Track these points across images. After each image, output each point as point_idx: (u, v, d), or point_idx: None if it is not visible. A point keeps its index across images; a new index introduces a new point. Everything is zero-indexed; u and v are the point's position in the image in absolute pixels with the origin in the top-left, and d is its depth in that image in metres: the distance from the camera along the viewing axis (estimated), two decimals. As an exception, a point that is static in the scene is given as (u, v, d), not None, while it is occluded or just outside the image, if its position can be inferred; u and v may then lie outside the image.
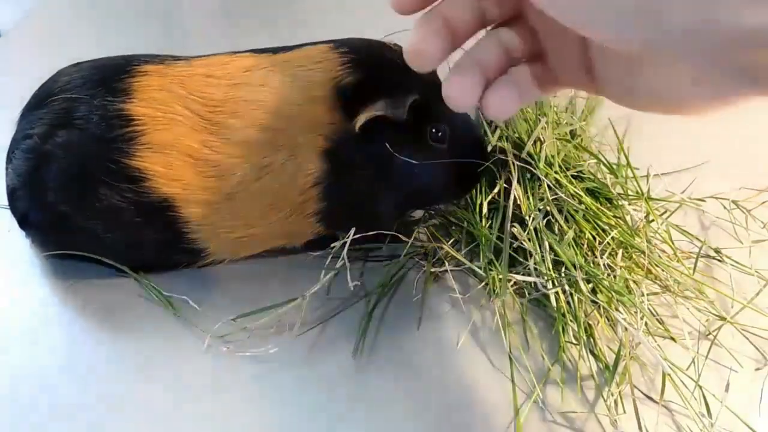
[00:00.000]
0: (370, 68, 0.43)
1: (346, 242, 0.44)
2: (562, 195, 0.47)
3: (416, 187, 0.45)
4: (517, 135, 0.52)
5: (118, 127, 0.41)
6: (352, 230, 0.45)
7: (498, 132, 0.52)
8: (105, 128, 0.41)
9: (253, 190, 0.43)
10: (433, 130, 0.44)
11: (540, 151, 0.49)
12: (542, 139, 0.50)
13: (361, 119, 0.41)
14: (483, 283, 0.47)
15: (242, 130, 0.42)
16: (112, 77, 0.43)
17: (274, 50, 0.45)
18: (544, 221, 0.46)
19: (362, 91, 0.42)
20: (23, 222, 0.46)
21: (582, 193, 0.48)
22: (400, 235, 0.49)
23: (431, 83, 0.43)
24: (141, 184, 0.42)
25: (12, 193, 0.45)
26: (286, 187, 0.43)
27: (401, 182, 0.44)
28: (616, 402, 0.41)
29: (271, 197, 0.43)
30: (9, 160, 0.44)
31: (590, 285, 0.45)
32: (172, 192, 0.42)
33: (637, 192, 0.51)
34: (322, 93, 0.42)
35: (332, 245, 0.45)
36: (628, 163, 0.52)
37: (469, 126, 0.47)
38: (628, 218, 0.48)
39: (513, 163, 0.48)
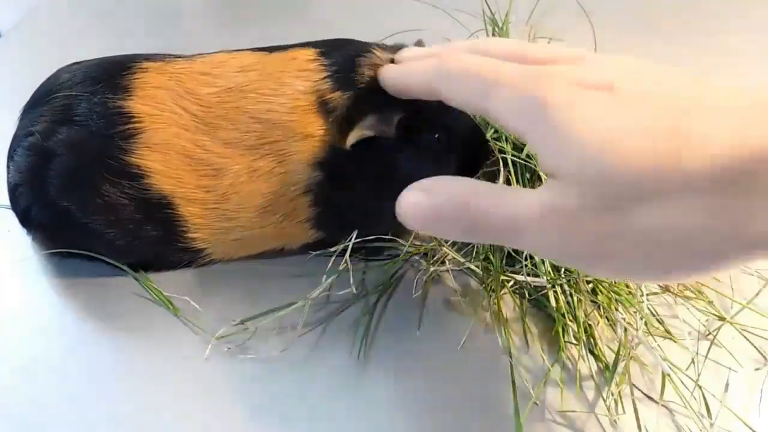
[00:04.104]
0: (354, 83, 0.42)
1: (348, 246, 0.45)
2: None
3: None
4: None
5: (117, 124, 0.41)
6: (354, 233, 0.45)
7: (493, 131, 0.52)
8: (105, 125, 0.42)
9: (245, 192, 0.43)
10: (432, 139, 0.44)
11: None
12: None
13: (351, 139, 0.41)
14: (483, 284, 0.47)
15: (231, 132, 0.42)
16: (112, 74, 0.43)
17: (270, 49, 0.45)
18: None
19: (348, 106, 0.41)
20: (25, 219, 0.46)
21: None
22: (398, 238, 0.49)
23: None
24: (140, 181, 0.42)
25: (14, 190, 0.45)
26: (276, 192, 0.43)
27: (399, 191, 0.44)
28: (616, 402, 0.41)
29: (263, 201, 0.43)
30: (10, 157, 0.44)
31: (590, 285, 0.45)
32: (170, 190, 0.42)
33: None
34: (307, 103, 0.42)
35: (332, 249, 0.45)
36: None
37: (469, 125, 0.46)
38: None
39: (512, 162, 0.48)
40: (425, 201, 0.32)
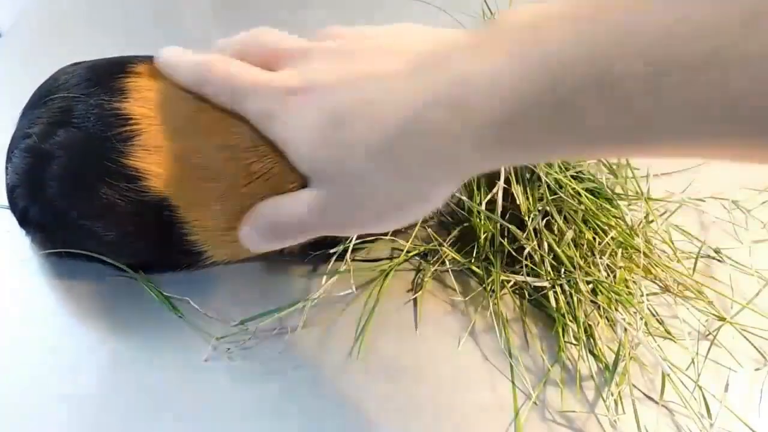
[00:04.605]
0: None
1: (348, 246, 0.45)
2: (562, 195, 0.47)
3: None
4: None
5: (114, 126, 0.41)
6: (354, 234, 0.45)
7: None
8: (102, 127, 0.41)
9: (243, 194, 0.42)
10: None
11: (540, 152, 0.49)
12: (542, 140, 0.50)
13: None
14: (483, 284, 0.47)
15: (226, 135, 0.42)
16: (109, 76, 0.43)
17: None
18: (544, 221, 0.47)
19: None
20: (23, 220, 0.46)
21: (582, 193, 0.48)
22: (398, 238, 0.49)
23: None
24: (138, 184, 0.42)
25: (12, 192, 0.45)
26: (274, 192, 0.42)
27: None
28: (615, 402, 0.41)
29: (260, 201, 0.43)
30: (9, 159, 0.44)
31: (590, 285, 0.45)
32: (168, 192, 0.42)
33: (637, 192, 0.51)
34: None
35: (332, 250, 0.45)
36: (628, 163, 0.52)
37: None
38: (628, 219, 0.48)
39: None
40: (250, 231, 0.39)
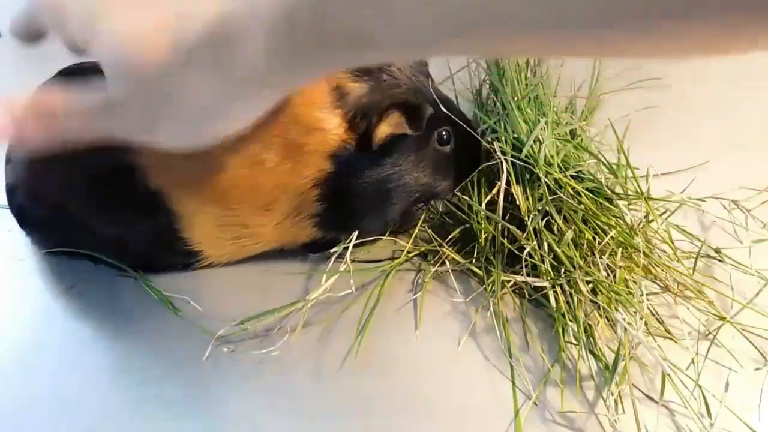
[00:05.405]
0: (371, 79, 0.42)
1: (348, 246, 0.45)
2: (562, 195, 0.47)
3: (423, 191, 0.47)
4: (515, 135, 0.52)
5: None
6: (355, 234, 0.45)
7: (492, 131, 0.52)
8: None
9: (246, 186, 0.42)
10: (443, 135, 0.45)
11: (539, 152, 0.49)
12: (541, 140, 0.50)
13: (380, 138, 0.41)
14: (483, 284, 0.47)
15: None
16: (100, 74, 0.43)
17: None
18: (543, 222, 0.46)
19: (368, 103, 0.41)
20: (21, 219, 0.46)
21: (582, 193, 0.48)
22: (398, 239, 0.49)
23: (426, 88, 0.44)
24: (134, 177, 0.41)
25: (11, 191, 0.45)
26: (281, 186, 0.42)
27: (410, 189, 0.45)
28: (615, 402, 0.41)
29: (265, 196, 0.43)
30: (8, 159, 0.45)
31: (590, 285, 0.45)
32: (165, 186, 0.42)
33: (637, 192, 0.51)
34: (321, 97, 0.41)
35: (333, 250, 0.45)
36: (628, 163, 0.52)
37: (466, 121, 0.48)
38: (628, 218, 0.48)
39: (512, 163, 0.48)
40: (22, 117, 0.37)
